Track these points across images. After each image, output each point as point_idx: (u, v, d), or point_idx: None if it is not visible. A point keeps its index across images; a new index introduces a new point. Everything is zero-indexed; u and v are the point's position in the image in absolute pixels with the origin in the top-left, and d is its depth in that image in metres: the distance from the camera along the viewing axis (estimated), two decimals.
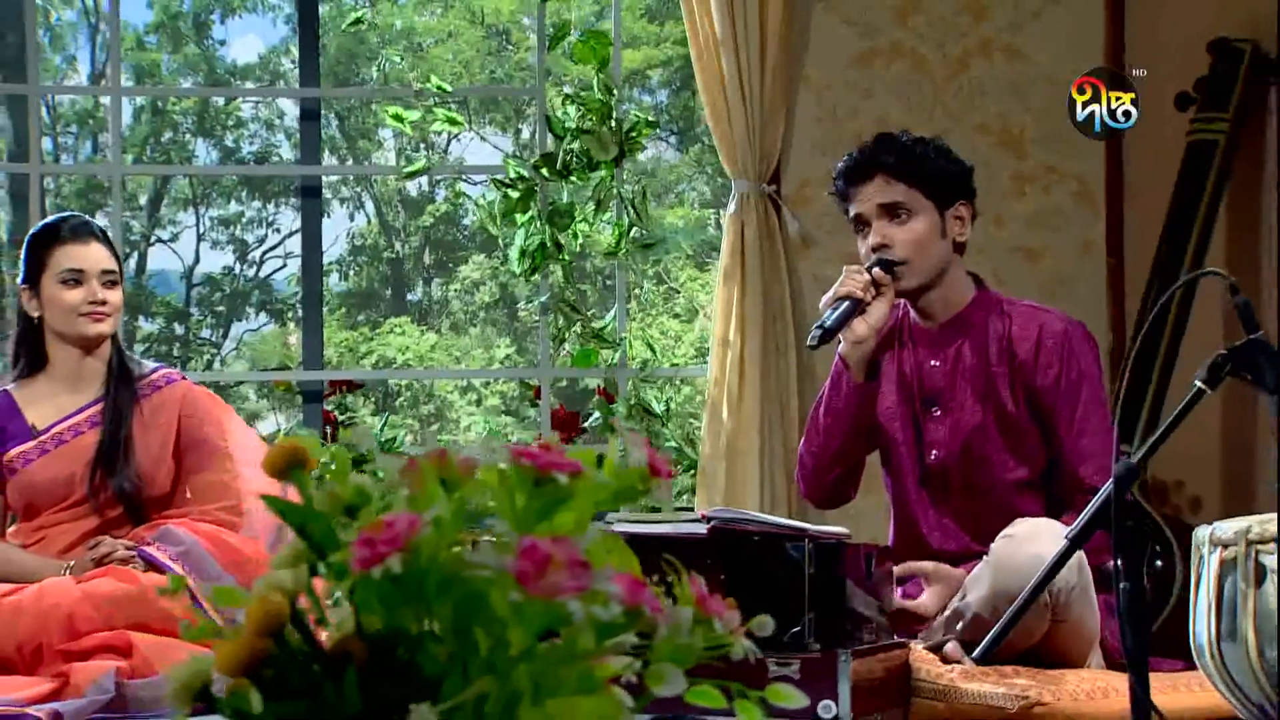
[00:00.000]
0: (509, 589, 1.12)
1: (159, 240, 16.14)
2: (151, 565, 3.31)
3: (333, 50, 14.36)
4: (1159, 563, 4.19)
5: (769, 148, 4.68)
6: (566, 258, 4.89)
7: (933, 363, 3.29)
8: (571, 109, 4.88)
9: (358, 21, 5.61)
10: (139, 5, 15.80)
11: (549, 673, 1.15)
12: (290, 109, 15.78)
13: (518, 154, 5.38)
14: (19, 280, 3.57)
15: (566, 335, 4.96)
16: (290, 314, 15.61)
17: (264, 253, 16.23)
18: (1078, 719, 2.69)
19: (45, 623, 3.17)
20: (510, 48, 15.60)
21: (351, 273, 16.37)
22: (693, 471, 4.82)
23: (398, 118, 4.95)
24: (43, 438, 3.51)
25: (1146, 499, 4.38)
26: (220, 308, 16.31)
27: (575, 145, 4.85)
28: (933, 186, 3.24)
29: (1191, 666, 2.61)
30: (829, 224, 4.60)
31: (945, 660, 2.90)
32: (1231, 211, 4.52)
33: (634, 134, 4.88)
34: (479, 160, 16.79)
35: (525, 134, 14.94)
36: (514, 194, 4.87)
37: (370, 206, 16.45)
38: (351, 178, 16.56)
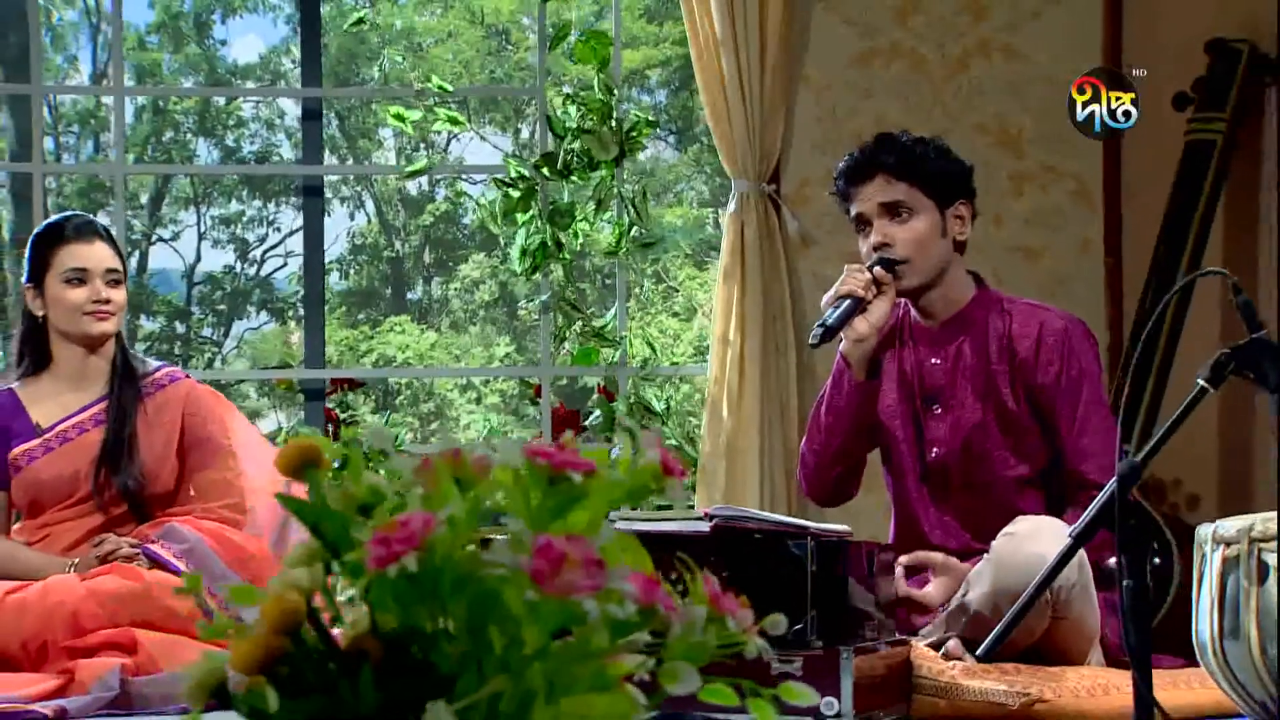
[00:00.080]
0: (524, 588, 1.13)
1: (160, 239, 16.15)
2: (156, 563, 3.32)
3: (334, 50, 14.35)
4: (1156, 560, 4.19)
5: (769, 147, 4.69)
6: (567, 257, 4.90)
7: (933, 361, 3.30)
8: (572, 109, 4.88)
9: (359, 21, 5.62)
10: (140, 5, 15.82)
11: (563, 671, 1.15)
12: (291, 109, 15.80)
13: (518, 154, 5.38)
14: (23, 279, 3.58)
15: (567, 334, 4.97)
16: (291, 313, 15.60)
17: (265, 252, 16.24)
18: (1078, 716, 2.69)
19: (50, 620, 3.17)
20: (510, 48, 15.59)
21: (352, 271, 16.36)
22: (693, 470, 4.82)
23: (399, 117, 4.96)
24: (47, 436, 3.52)
25: (1144, 497, 4.39)
26: (221, 306, 16.29)
27: (575, 145, 4.86)
28: (933, 186, 3.25)
29: (1190, 663, 2.62)
30: (829, 223, 4.61)
31: (946, 657, 2.91)
32: (1229, 211, 4.53)
33: (634, 134, 4.88)
34: (479, 160, 16.76)
35: (525, 134, 14.94)
36: (514, 193, 4.88)
37: (371, 206, 16.45)
38: (352, 177, 16.56)
